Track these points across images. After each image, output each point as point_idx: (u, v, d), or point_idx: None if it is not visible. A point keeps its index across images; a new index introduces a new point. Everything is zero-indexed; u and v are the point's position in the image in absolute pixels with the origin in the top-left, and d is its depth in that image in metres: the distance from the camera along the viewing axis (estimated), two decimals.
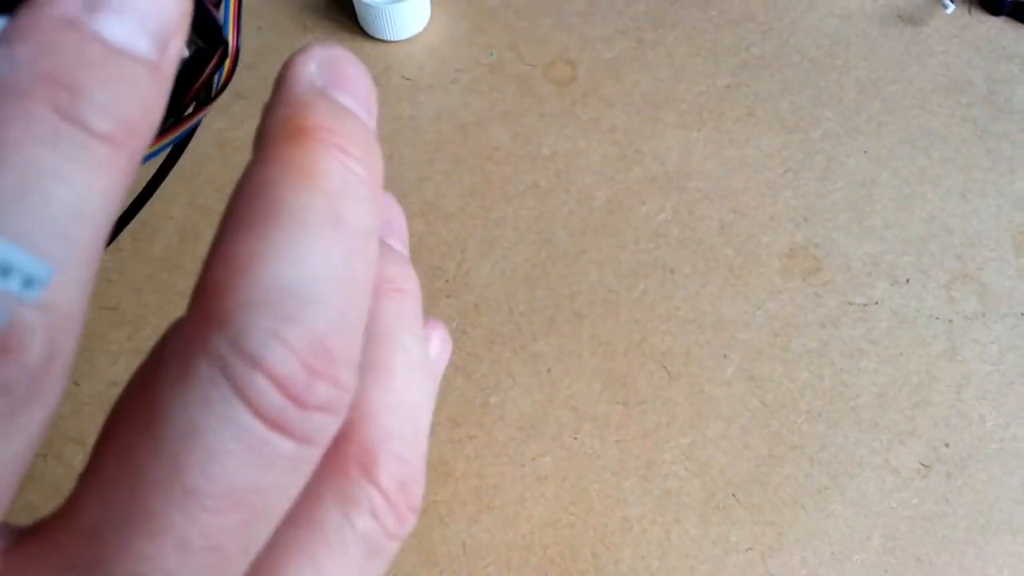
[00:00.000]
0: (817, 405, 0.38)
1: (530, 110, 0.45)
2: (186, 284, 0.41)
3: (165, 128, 0.22)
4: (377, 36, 0.49)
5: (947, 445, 0.37)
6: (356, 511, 0.15)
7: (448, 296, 0.41)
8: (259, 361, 0.12)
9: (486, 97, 0.47)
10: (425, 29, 0.49)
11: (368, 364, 0.16)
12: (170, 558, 0.12)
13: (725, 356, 0.39)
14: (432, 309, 0.40)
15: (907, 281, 0.41)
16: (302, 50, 0.15)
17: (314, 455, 0.13)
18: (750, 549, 0.35)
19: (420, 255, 0.41)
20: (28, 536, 0.13)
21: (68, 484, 0.39)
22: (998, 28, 0.49)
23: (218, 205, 0.42)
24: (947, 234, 0.42)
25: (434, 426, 0.33)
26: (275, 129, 0.14)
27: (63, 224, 0.12)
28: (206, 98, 0.23)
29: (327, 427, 0.13)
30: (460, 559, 0.35)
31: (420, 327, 0.17)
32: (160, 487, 0.12)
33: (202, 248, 0.41)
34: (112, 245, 0.42)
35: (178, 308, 0.40)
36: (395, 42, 0.49)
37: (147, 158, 0.19)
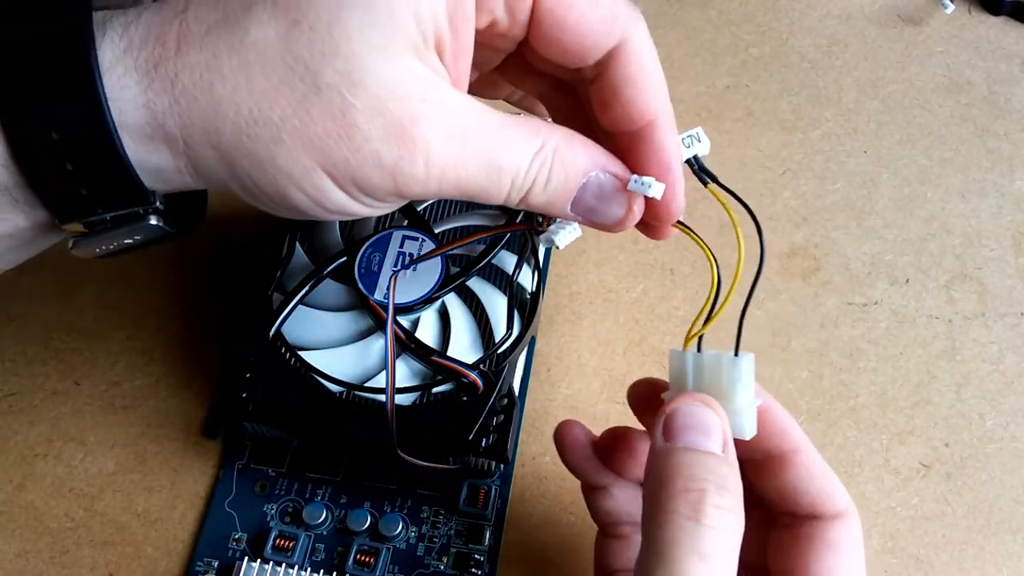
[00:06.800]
0: (816, 405, 0.38)
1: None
2: (186, 285, 0.41)
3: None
4: None
5: (947, 445, 0.37)
6: None
7: None
8: None
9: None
10: None
11: None
12: None
13: None
14: None
15: (907, 281, 0.41)
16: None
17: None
18: None
19: None
20: None
21: (68, 484, 0.39)
22: (998, 28, 0.49)
23: (220, 206, 0.42)
24: (947, 234, 0.42)
25: None
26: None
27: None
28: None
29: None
30: None
31: None
32: None
33: (202, 249, 0.41)
34: None
35: (178, 308, 0.40)
36: None
37: None
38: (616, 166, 0.27)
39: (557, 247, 0.28)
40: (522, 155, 0.25)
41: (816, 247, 0.42)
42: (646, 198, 0.27)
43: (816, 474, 0.27)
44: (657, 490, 0.24)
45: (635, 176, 0.26)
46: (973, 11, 0.50)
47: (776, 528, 0.28)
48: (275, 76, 0.22)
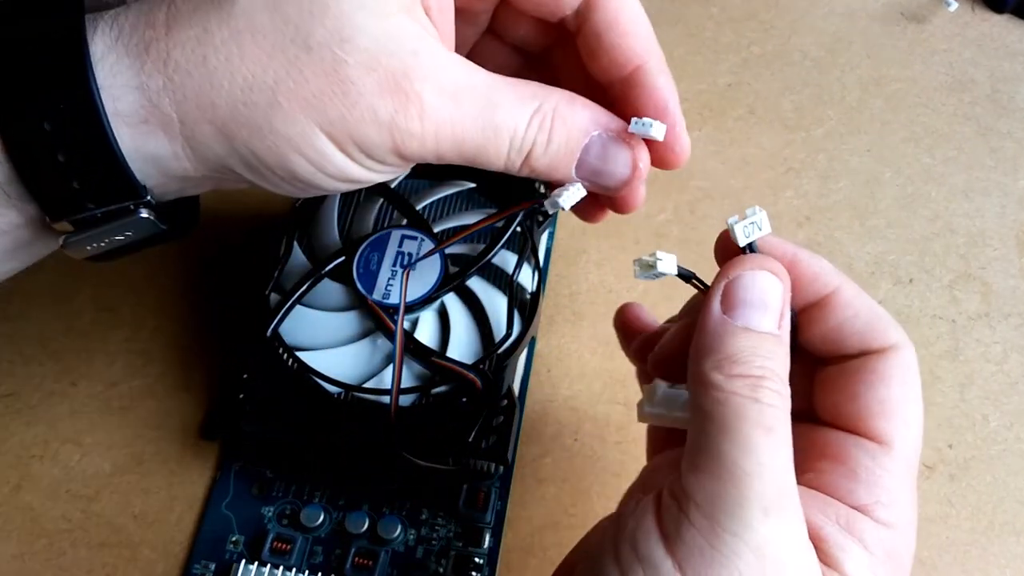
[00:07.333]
0: None
1: None
2: (184, 285, 0.40)
3: None
4: None
5: (950, 446, 0.37)
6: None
7: None
8: None
9: None
10: None
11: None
12: None
13: None
14: None
15: (910, 281, 0.41)
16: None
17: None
18: None
19: None
20: None
21: (65, 485, 0.39)
22: (1001, 26, 0.49)
23: (217, 206, 0.42)
24: (950, 233, 0.42)
25: None
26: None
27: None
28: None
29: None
30: None
31: None
32: None
33: (199, 249, 0.41)
34: None
35: (175, 309, 0.40)
36: None
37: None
38: (618, 125, 0.26)
39: (563, 208, 0.28)
40: (519, 114, 0.25)
41: (819, 246, 0.42)
42: (649, 148, 0.27)
43: (860, 310, 0.25)
44: (712, 367, 0.23)
45: (635, 118, 0.26)
46: (976, 9, 0.50)
47: (823, 368, 0.26)
48: (266, 42, 0.22)
